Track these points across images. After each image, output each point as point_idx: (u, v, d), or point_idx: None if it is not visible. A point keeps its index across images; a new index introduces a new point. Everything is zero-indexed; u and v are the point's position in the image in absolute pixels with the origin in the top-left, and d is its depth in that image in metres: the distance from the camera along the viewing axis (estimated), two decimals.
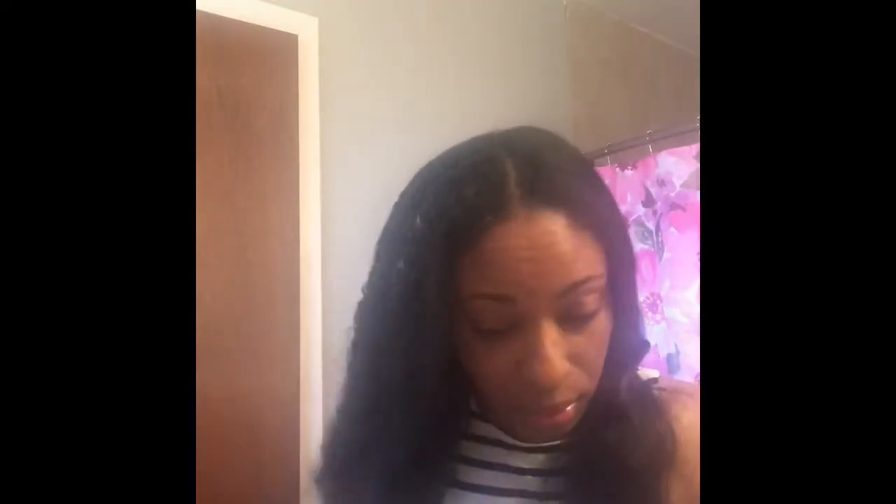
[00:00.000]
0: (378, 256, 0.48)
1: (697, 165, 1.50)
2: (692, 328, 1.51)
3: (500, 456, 0.50)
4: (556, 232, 0.40)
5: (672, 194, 1.56)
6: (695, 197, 1.53)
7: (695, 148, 1.55)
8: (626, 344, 0.47)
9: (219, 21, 1.32)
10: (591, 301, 0.42)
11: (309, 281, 1.42)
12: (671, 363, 1.56)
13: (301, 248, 1.42)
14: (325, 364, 1.45)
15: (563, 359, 0.41)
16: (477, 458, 0.50)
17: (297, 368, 1.39)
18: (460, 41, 1.80)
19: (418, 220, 0.42)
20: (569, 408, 0.43)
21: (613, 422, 0.48)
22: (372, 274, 0.49)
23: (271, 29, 1.40)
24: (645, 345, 0.51)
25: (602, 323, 0.43)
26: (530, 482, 0.49)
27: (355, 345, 0.52)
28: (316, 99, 1.46)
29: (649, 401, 0.50)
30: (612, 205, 0.46)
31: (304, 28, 1.45)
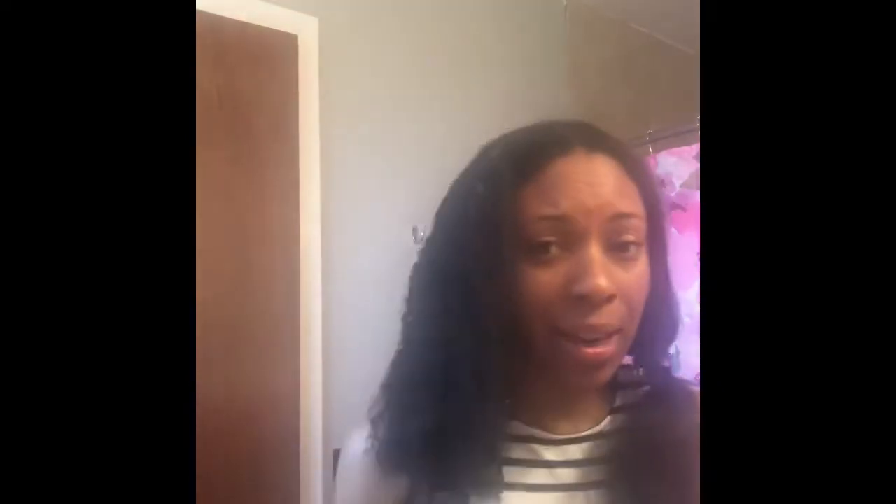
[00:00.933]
0: (443, 215, 0.53)
1: (697, 165, 1.50)
2: (692, 328, 1.50)
3: (535, 452, 0.50)
4: (608, 170, 0.47)
5: (672, 194, 1.56)
6: (695, 197, 1.53)
7: (695, 148, 1.55)
8: (660, 314, 0.52)
9: (219, 21, 1.32)
10: (632, 237, 0.47)
11: (309, 281, 1.42)
12: (671, 363, 1.56)
13: (301, 248, 1.42)
14: (325, 364, 1.45)
15: (608, 279, 0.44)
16: (513, 458, 0.50)
17: (297, 368, 1.39)
18: (460, 41, 1.80)
19: (495, 153, 0.50)
20: (610, 342, 0.46)
21: (649, 409, 0.51)
22: (435, 234, 0.53)
23: (271, 29, 1.40)
24: (677, 322, 0.55)
25: (641, 268, 0.48)
26: (567, 475, 0.50)
27: (414, 305, 0.54)
28: (316, 99, 1.46)
29: (683, 392, 0.53)
30: (654, 180, 0.53)
31: (304, 28, 1.45)
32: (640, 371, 0.54)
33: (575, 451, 0.51)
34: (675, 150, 1.59)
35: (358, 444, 0.54)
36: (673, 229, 1.55)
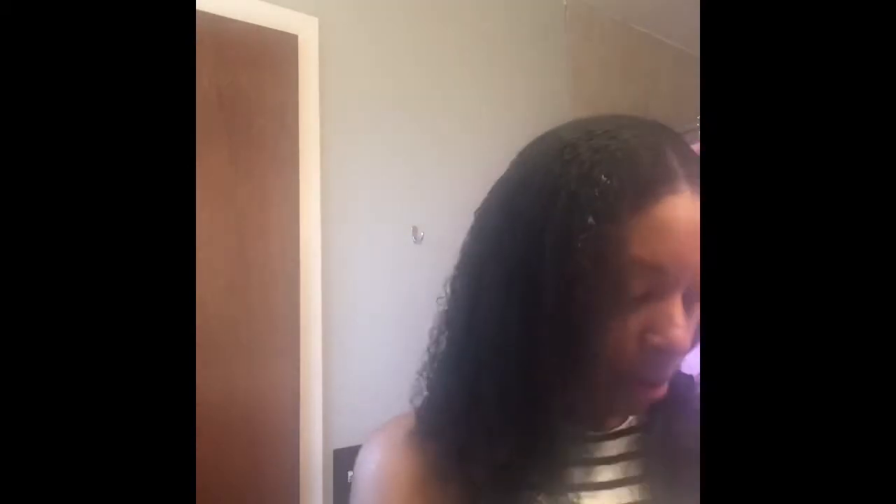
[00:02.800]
0: (510, 211, 0.46)
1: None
2: None
3: (585, 451, 0.50)
4: (700, 216, 0.42)
5: None
6: None
7: (695, 148, 1.55)
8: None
9: (219, 21, 1.32)
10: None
11: (309, 281, 1.43)
12: None
13: (301, 248, 1.42)
14: (325, 363, 1.45)
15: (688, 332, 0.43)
16: (573, 459, 0.50)
17: (297, 368, 1.39)
18: (460, 41, 1.80)
19: (604, 178, 0.42)
20: (665, 384, 0.46)
21: (677, 401, 0.51)
22: (493, 231, 0.47)
23: (271, 29, 1.40)
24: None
25: (697, 312, 0.45)
26: (612, 471, 0.50)
27: (466, 316, 0.49)
28: (316, 99, 1.46)
29: (691, 383, 0.53)
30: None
31: (304, 28, 1.46)
32: None
33: (614, 447, 0.51)
34: None
35: (401, 453, 0.51)
36: None
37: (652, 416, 0.52)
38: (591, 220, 0.41)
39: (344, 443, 1.46)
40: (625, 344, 0.43)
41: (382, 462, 0.51)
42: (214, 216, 1.29)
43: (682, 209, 0.42)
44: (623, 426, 0.52)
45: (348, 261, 1.52)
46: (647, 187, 0.42)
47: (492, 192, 0.51)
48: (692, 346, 0.45)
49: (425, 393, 0.53)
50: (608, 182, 0.42)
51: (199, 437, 1.22)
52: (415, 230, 1.56)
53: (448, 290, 0.52)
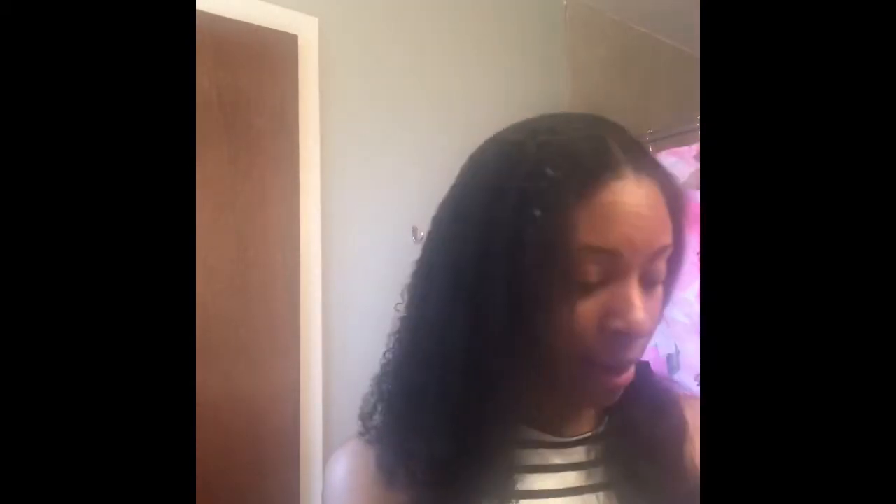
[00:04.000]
0: (463, 212, 0.47)
1: (697, 165, 1.50)
2: (692, 328, 1.51)
3: (542, 457, 0.50)
4: (653, 197, 0.44)
5: None
6: (695, 197, 1.53)
7: (695, 148, 1.55)
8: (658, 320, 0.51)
9: (219, 21, 1.32)
10: (662, 269, 0.45)
11: (309, 281, 1.42)
12: (671, 363, 1.56)
13: (301, 248, 1.42)
14: (325, 364, 1.45)
15: (646, 314, 0.43)
16: (524, 464, 0.50)
17: (297, 368, 1.39)
18: (460, 41, 1.80)
19: (548, 170, 0.43)
20: (631, 369, 0.46)
21: (643, 405, 0.51)
22: (450, 231, 0.48)
23: (271, 29, 1.40)
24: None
25: (660, 293, 0.47)
26: (574, 478, 0.50)
27: (417, 312, 0.50)
28: (316, 99, 1.46)
29: (665, 383, 0.55)
30: (678, 185, 0.50)
31: (304, 28, 1.45)
32: None
33: (580, 454, 0.51)
34: (675, 150, 1.59)
35: (352, 456, 0.53)
36: None
37: (617, 420, 0.52)
38: (537, 212, 0.42)
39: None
40: (585, 331, 0.44)
41: (340, 470, 0.53)
42: (214, 216, 1.29)
43: (628, 193, 0.43)
44: (588, 433, 0.52)
45: (348, 261, 1.51)
46: (590, 174, 0.43)
47: (444, 199, 0.52)
48: (652, 328, 0.46)
49: (372, 399, 0.54)
50: (553, 174, 0.43)
51: (198, 437, 1.21)
52: (415, 230, 1.56)
53: (404, 296, 0.53)
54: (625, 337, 0.43)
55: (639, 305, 0.43)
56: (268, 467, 1.33)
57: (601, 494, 0.49)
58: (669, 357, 1.56)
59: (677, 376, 1.54)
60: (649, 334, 0.45)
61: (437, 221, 0.51)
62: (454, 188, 0.51)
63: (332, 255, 1.48)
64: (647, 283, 0.45)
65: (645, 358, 0.56)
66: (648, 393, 0.53)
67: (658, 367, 1.54)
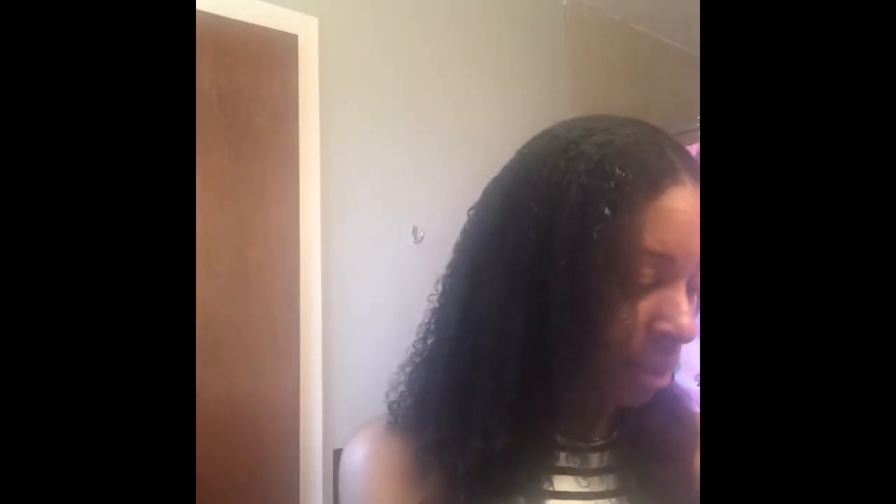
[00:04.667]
0: (515, 205, 0.46)
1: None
2: None
3: (567, 460, 0.50)
4: (701, 208, 0.43)
5: None
6: None
7: (695, 148, 1.55)
8: None
9: (219, 21, 1.32)
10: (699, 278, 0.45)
11: (309, 281, 1.42)
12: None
13: (301, 248, 1.42)
14: (325, 364, 1.45)
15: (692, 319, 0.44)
16: (554, 466, 0.50)
17: (297, 368, 1.39)
18: (460, 41, 1.80)
19: (618, 170, 0.43)
20: (669, 373, 0.47)
21: (659, 412, 0.52)
22: (497, 223, 0.47)
23: (271, 29, 1.40)
24: None
25: (697, 301, 0.46)
26: (594, 482, 0.50)
27: (454, 307, 0.49)
28: (316, 99, 1.46)
29: (682, 391, 0.55)
30: None
31: (304, 28, 1.45)
32: None
33: (595, 460, 0.51)
34: None
35: (375, 441, 0.52)
36: None
37: (630, 429, 0.52)
38: (607, 210, 0.42)
39: (344, 443, 1.45)
40: (634, 332, 0.44)
41: (365, 455, 0.52)
42: (214, 216, 1.29)
43: (686, 200, 0.43)
44: (600, 441, 0.52)
45: (348, 261, 1.51)
46: (655, 179, 0.43)
47: (487, 191, 0.51)
48: (696, 334, 0.45)
49: (402, 388, 0.53)
50: (622, 174, 0.43)
51: (199, 437, 1.21)
52: (415, 230, 1.56)
53: (439, 288, 0.52)
54: (671, 340, 0.44)
55: (687, 310, 0.43)
56: (268, 467, 1.33)
57: (613, 500, 0.49)
58: None
59: (677, 376, 1.54)
60: (693, 338, 0.44)
61: (481, 212, 0.50)
62: (500, 181, 0.50)
63: (331, 255, 1.48)
64: (691, 290, 0.45)
65: None
66: (663, 402, 0.52)
67: None
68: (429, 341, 0.53)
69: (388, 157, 1.60)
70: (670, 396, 0.54)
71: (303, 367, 1.40)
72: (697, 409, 0.56)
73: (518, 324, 0.45)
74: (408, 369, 0.54)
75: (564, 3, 2.07)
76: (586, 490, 0.50)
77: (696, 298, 0.46)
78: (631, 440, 0.52)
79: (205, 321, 1.26)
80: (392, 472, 0.50)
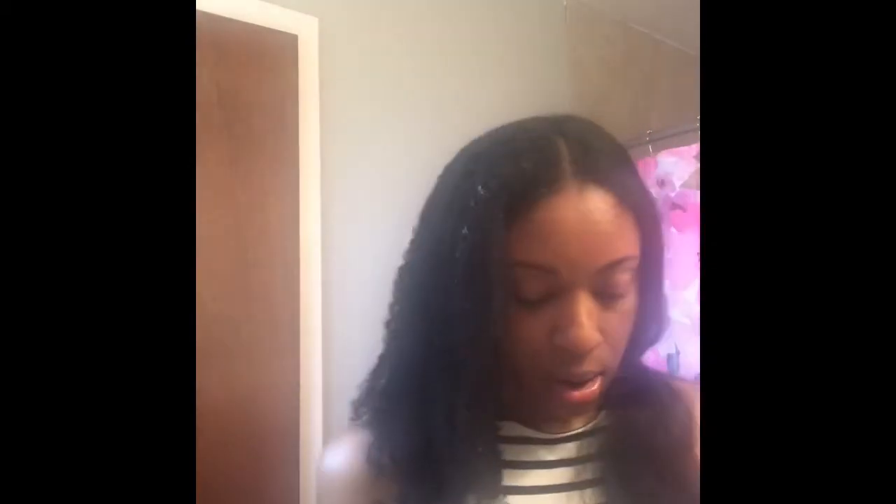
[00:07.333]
0: (427, 225, 0.50)
1: (697, 165, 1.50)
2: (692, 328, 1.51)
3: (530, 453, 0.50)
4: (603, 210, 0.43)
5: (672, 194, 1.57)
6: (695, 197, 1.53)
7: (695, 148, 1.56)
8: (648, 325, 0.51)
9: (219, 21, 1.32)
10: (624, 281, 0.44)
11: (309, 281, 1.42)
12: (671, 363, 1.56)
13: (301, 248, 1.41)
14: (325, 365, 1.45)
15: (594, 329, 0.43)
16: (512, 460, 0.50)
17: (297, 368, 1.39)
18: (460, 41, 1.80)
19: (480, 188, 0.44)
20: (594, 384, 0.46)
21: (637, 404, 0.51)
22: (419, 241, 0.51)
23: (271, 29, 1.40)
24: (667, 321, 0.54)
25: (630, 303, 0.46)
26: (564, 475, 0.50)
27: (398, 314, 0.53)
28: (316, 99, 1.46)
29: (667, 387, 0.54)
30: (647, 191, 0.49)
31: (304, 28, 1.45)
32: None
33: (570, 450, 0.51)
34: (675, 150, 1.59)
35: (345, 447, 0.54)
36: (673, 229, 1.56)
37: (612, 417, 0.52)
38: (465, 230, 0.43)
39: None
40: (534, 345, 0.44)
41: (327, 454, 0.55)
42: (214, 216, 1.29)
43: (565, 209, 0.42)
44: (580, 429, 0.52)
45: (348, 261, 1.51)
46: (525, 191, 0.42)
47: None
48: (619, 342, 0.46)
49: (365, 385, 0.55)
50: (482, 193, 0.43)
51: (198, 438, 1.21)
52: (415, 230, 1.56)
53: (393, 290, 0.56)
54: (570, 352, 0.43)
55: (581, 322, 0.42)
56: (268, 467, 1.33)
57: (588, 491, 0.49)
58: (669, 357, 1.56)
59: (678, 377, 1.54)
60: (591, 350, 0.43)
61: (414, 229, 0.54)
62: (427, 199, 0.54)
63: (332, 255, 1.48)
64: (606, 297, 0.44)
65: (645, 358, 0.56)
66: (644, 390, 0.53)
67: (658, 367, 1.54)
68: (384, 344, 0.56)
69: (389, 156, 1.60)
70: (652, 383, 0.54)
71: (303, 368, 1.40)
72: (683, 387, 0.55)
73: (424, 333, 0.47)
74: (371, 371, 0.56)
75: (564, 3, 2.07)
76: (558, 482, 0.49)
77: (625, 303, 0.45)
78: (611, 429, 0.52)
79: (205, 321, 1.26)
80: (348, 471, 0.52)
